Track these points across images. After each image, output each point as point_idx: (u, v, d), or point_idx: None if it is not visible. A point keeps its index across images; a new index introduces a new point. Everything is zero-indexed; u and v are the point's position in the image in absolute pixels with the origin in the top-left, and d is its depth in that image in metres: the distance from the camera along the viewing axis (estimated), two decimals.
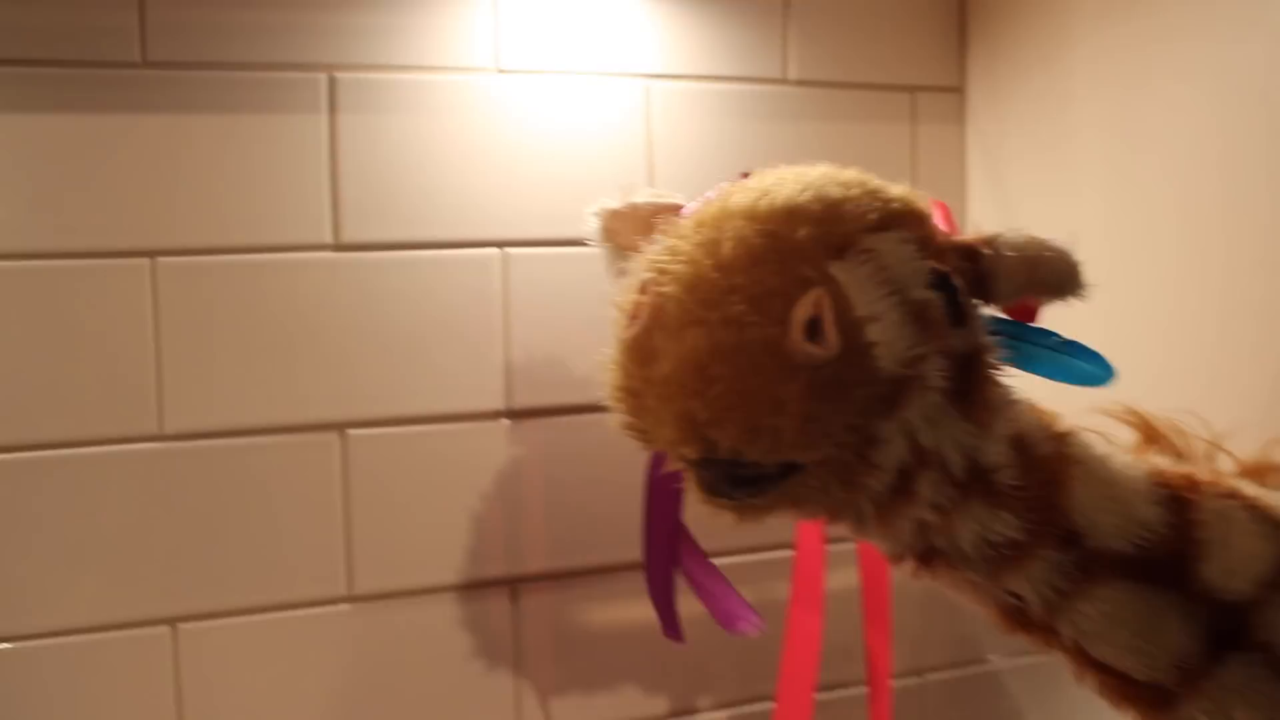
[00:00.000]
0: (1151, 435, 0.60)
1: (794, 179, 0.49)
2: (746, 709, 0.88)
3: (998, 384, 0.53)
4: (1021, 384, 0.55)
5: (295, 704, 0.77)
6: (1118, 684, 0.55)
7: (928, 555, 0.54)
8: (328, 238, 0.77)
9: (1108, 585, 0.53)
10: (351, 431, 0.77)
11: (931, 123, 0.93)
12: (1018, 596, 0.54)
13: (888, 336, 0.45)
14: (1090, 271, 0.53)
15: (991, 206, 0.92)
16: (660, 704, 0.85)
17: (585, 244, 0.62)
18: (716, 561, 0.60)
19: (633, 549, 0.65)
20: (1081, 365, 0.56)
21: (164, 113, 0.73)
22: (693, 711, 0.86)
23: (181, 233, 0.74)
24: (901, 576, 0.59)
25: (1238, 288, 0.69)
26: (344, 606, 0.77)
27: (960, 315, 0.49)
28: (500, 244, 0.81)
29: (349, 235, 0.77)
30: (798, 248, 0.45)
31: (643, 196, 0.61)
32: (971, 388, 0.50)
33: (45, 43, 0.71)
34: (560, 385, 0.82)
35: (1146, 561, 0.53)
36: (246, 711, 0.76)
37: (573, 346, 0.82)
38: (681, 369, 0.44)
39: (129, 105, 0.72)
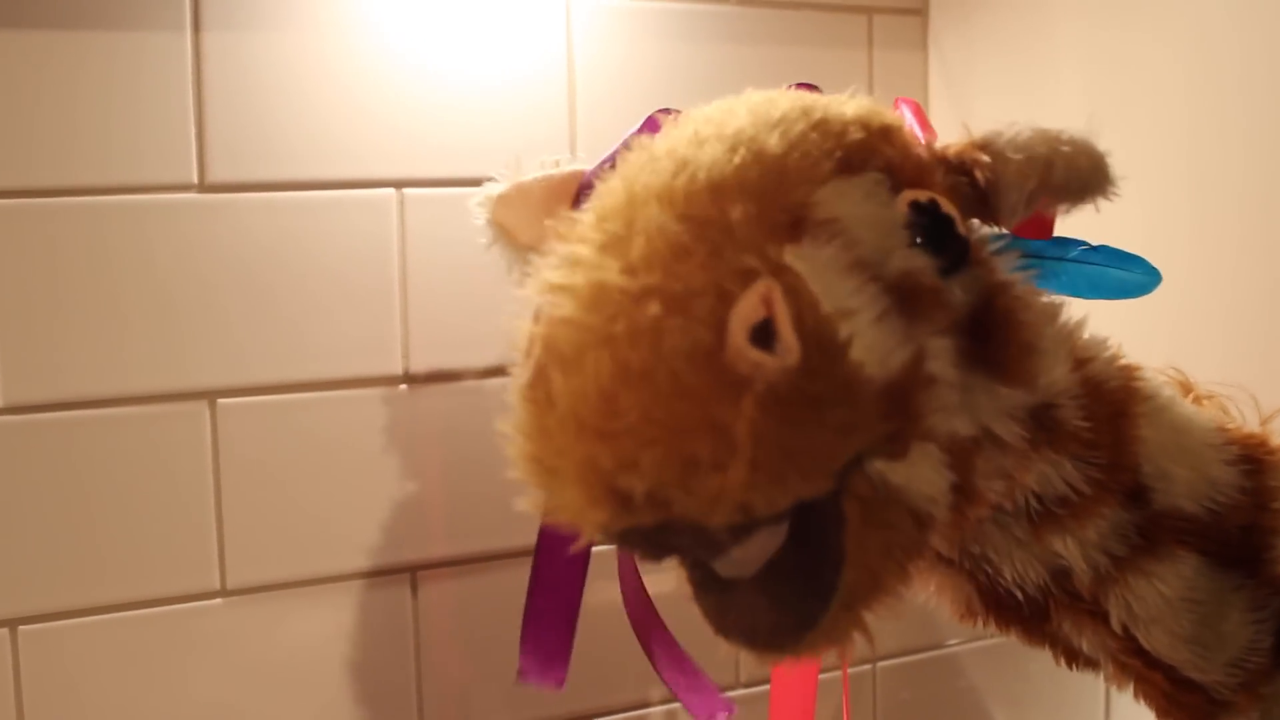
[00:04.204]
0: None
1: (718, 136, 0.38)
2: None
3: (1028, 316, 0.43)
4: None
5: (159, 717, 0.68)
6: (1164, 682, 0.47)
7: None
8: (191, 177, 0.68)
9: (1172, 557, 0.45)
10: (222, 401, 0.69)
11: (890, 49, 0.86)
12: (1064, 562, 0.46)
13: (869, 337, 0.35)
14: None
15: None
16: (579, 702, 0.79)
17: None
18: None
19: None
20: (1117, 274, 0.47)
21: None
22: (611, 711, 0.80)
23: (14, 170, 0.64)
24: None
25: (1273, 230, 0.60)
26: (216, 602, 0.69)
27: (959, 255, 0.39)
28: (396, 184, 0.72)
29: (216, 174, 0.68)
30: (734, 233, 0.35)
31: (533, 171, 0.52)
32: (997, 340, 0.40)
33: None
34: (467, 346, 0.74)
35: (1217, 531, 0.45)
36: None
37: (481, 302, 0.73)
38: (579, 405, 0.33)
39: None
